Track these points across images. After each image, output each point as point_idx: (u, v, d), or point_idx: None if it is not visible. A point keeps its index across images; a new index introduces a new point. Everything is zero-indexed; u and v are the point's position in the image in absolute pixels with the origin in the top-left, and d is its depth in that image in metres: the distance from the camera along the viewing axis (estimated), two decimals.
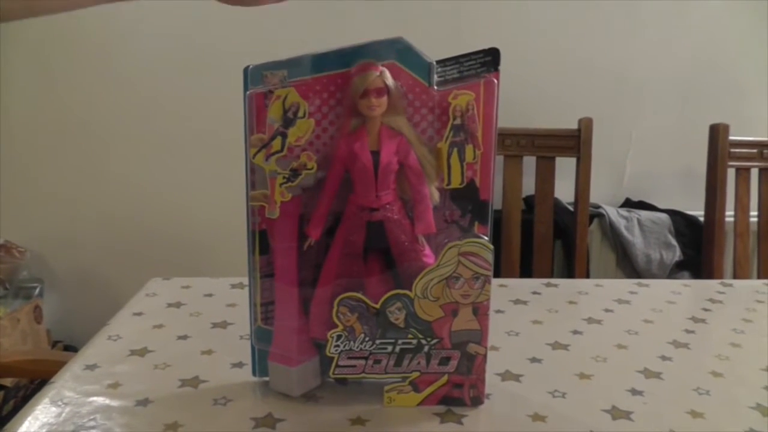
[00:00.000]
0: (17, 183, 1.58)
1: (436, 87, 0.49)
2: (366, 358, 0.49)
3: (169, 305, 0.73)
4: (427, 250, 0.50)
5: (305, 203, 0.49)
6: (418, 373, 0.50)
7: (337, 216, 0.50)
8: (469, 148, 0.49)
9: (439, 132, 0.49)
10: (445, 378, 0.50)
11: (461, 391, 0.51)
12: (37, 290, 1.47)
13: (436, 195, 0.49)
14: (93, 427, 0.48)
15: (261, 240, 0.50)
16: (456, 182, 0.49)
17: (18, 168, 1.59)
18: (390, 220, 0.49)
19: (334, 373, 0.49)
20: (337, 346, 0.49)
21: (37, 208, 1.59)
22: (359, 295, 0.48)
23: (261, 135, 0.47)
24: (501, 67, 0.49)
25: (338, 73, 0.47)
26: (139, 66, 1.54)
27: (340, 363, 0.49)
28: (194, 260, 1.60)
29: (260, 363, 0.54)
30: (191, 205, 1.60)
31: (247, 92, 0.47)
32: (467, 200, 0.50)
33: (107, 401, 0.52)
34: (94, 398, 0.52)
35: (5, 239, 1.46)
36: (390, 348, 0.49)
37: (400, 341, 0.49)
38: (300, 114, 0.47)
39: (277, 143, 0.47)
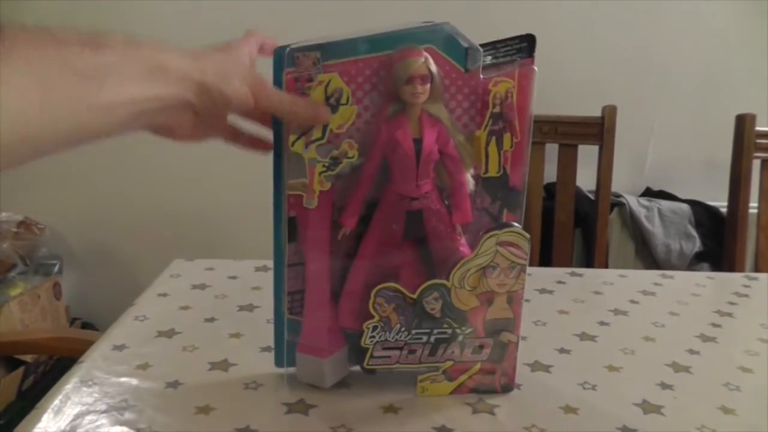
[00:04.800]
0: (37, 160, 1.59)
1: (474, 73, 0.47)
2: (401, 349, 0.49)
3: (194, 287, 0.73)
4: (463, 240, 0.49)
5: (339, 191, 0.48)
6: (451, 362, 0.50)
7: (370, 205, 0.48)
8: (506, 137, 0.48)
9: (474, 119, 0.48)
10: (477, 366, 0.50)
11: (492, 378, 0.51)
12: (57, 267, 1.48)
13: (472, 183, 0.48)
14: (125, 408, 0.48)
15: (290, 227, 0.49)
16: (494, 171, 0.49)
17: None
18: (429, 210, 0.48)
19: (368, 365, 0.49)
20: (373, 336, 0.48)
21: (57, 185, 1.60)
22: (397, 285, 0.47)
23: None
24: None
25: (374, 56, 0.46)
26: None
27: (375, 354, 0.49)
28: (213, 241, 1.60)
29: (288, 353, 0.52)
30: (211, 186, 1.60)
31: (284, 73, 0.45)
32: (497, 187, 0.49)
33: (137, 382, 0.52)
34: (124, 379, 0.52)
35: (25, 216, 1.47)
36: (425, 338, 0.48)
37: (435, 331, 0.48)
38: (343, 101, 0.45)
39: (317, 130, 0.46)
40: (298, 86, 0.45)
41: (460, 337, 0.49)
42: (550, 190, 1.30)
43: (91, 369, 0.54)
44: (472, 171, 0.48)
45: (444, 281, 0.47)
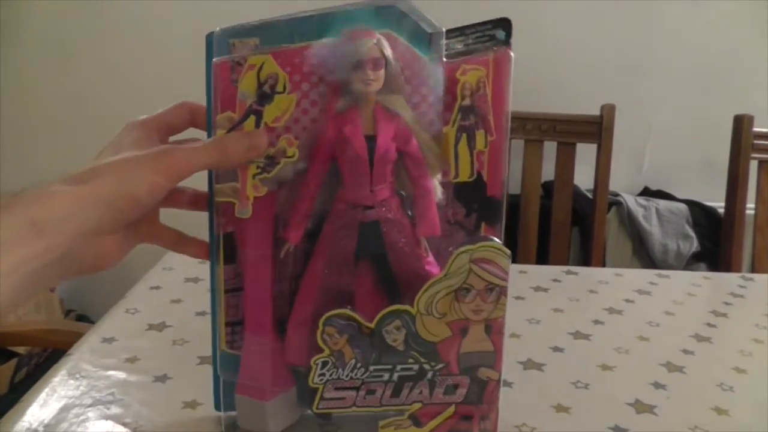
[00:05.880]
0: (29, 150, 1.58)
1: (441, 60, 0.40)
2: (357, 389, 0.40)
3: (187, 280, 0.72)
4: (431, 258, 0.41)
5: (281, 201, 0.40)
6: (419, 405, 0.41)
7: (320, 217, 0.41)
8: (479, 134, 0.40)
9: (442, 116, 0.40)
10: (451, 409, 0.42)
11: (470, 423, 0.42)
12: None
13: (439, 190, 0.41)
14: (111, 402, 0.48)
15: (226, 246, 0.41)
16: (465, 175, 0.41)
17: (30, 137, 1.59)
18: (387, 220, 0.40)
19: (318, 408, 0.41)
20: (323, 374, 0.40)
21: (51, 177, 1.59)
22: (350, 312, 0.39)
23: (230, 114, 0.38)
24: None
25: (320, 43, 0.38)
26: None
27: (326, 395, 0.40)
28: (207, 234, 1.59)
29: (225, 395, 0.44)
30: (204, 177, 1.59)
31: (213, 61, 0.38)
32: (473, 197, 0.41)
33: (125, 376, 0.51)
34: (112, 372, 0.52)
35: None
36: (386, 375, 0.40)
37: (398, 367, 0.40)
38: (279, 88, 0.38)
39: (249, 124, 0.38)
40: (233, 77, 0.38)
41: (430, 374, 0.41)
42: (547, 188, 1.29)
43: (79, 362, 0.53)
44: (440, 177, 0.41)
45: (407, 307, 0.39)
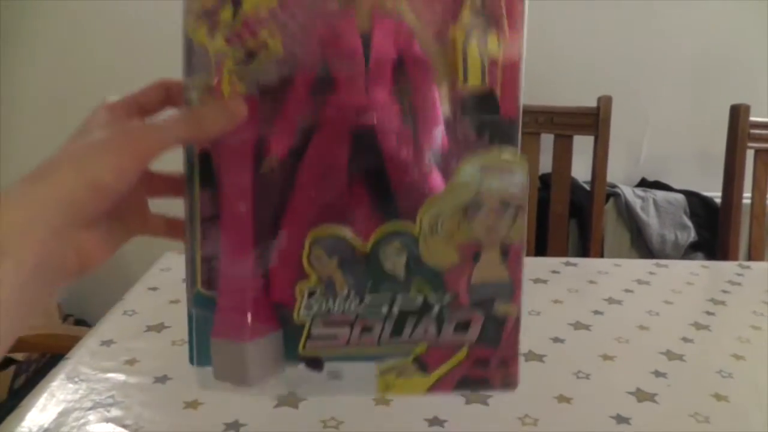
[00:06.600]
0: (22, 150, 1.57)
1: None
2: (351, 325, 0.34)
3: (185, 280, 0.72)
4: (435, 173, 0.35)
5: (265, 110, 0.34)
6: (425, 346, 0.35)
7: (309, 132, 0.35)
8: (491, 37, 0.35)
9: (448, 15, 0.35)
10: (463, 352, 0.35)
11: (486, 369, 0.36)
12: None
13: (447, 104, 0.35)
14: (111, 405, 0.47)
15: (203, 168, 0.35)
16: (475, 79, 0.35)
17: (29, 137, 1.58)
18: (384, 128, 0.34)
19: (304, 348, 0.34)
20: (310, 306, 0.33)
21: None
22: (341, 230, 0.33)
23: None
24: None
25: None
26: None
27: (314, 332, 0.34)
28: None
29: (200, 346, 0.36)
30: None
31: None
32: (485, 116, 0.36)
33: (125, 378, 0.51)
34: (111, 375, 0.52)
35: None
36: (385, 309, 0.34)
37: (399, 299, 0.34)
38: None
39: (226, 13, 0.33)
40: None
41: (436, 309, 0.34)
42: (545, 181, 1.29)
43: (78, 365, 0.53)
44: (446, 87, 0.35)
45: (408, 225, 0.33)
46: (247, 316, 0.35)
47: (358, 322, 0.34)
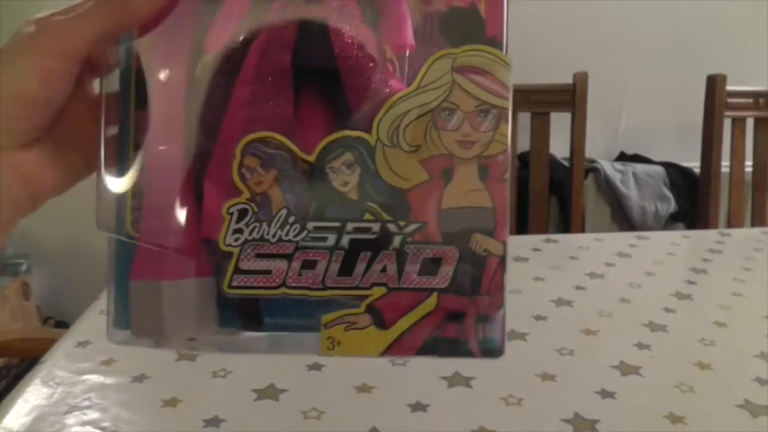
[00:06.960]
0: None
1: None
2: (289, 258, 0.26)
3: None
4: (399, 78, 0.28)
5: (204, 11, 0.28)
6: (383, 290, 0.27)
7: (252, 34, 0.28)
8: None
9: None
10: (432, 300, 0.27)
11: (461, 326, 0.27)
12: (24, 266, 1.44)
13: (418, 13, 0.28)
14: (88, 407, 0.46)
15: (138, 84, 0.28)
16: None
17: None
18: (337, 23, 0.28)
19: (230, 286, 0.27)
20: (239, 231, 0.26)
21: None
22: (278, 136, 0.27)
23: None
24: None
25: None
26: None
27: (243, 265, 0.26)
28: None
29: (122, 306, 0.28)
30: None
31: None
32: (466, 33, 0.29)
33: (102, 379, 0.50)
34: (88, 376, 0.50)
35: None
36: (332, 238, 0.27)
37: (350, 226, 0.27)
38: None
39: None
40: None
41: (397, 240, 0.27)
42: (524, 159, 1.29)
43: (53, 368, 0.52)
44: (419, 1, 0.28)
45: (362, 134, 0.26)
46: (169, 247, 0.27)
47: (299, 255, 0.27)
